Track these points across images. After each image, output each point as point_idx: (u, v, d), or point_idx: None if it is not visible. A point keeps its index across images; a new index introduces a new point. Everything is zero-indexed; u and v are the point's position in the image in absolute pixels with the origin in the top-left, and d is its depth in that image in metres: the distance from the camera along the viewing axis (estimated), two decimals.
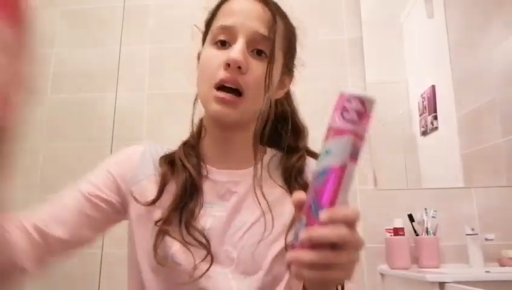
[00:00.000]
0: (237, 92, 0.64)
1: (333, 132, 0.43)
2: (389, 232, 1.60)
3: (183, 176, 0.65)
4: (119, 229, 0.73)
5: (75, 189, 0.67)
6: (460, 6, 1.90)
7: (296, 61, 0.76)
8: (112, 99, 1.92)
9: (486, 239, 1.53)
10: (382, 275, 1.62)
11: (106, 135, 1.88)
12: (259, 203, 0.64)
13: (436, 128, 1.78)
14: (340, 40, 1.89)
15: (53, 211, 0.64)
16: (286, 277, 0.64)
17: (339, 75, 1.85)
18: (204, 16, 0.75)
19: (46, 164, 1.87)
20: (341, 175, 0.42)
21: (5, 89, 0.32)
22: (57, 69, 1.98)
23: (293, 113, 0.78)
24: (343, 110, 0.42)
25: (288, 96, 0.79)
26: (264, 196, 0.65)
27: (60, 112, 1.93)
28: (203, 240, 0.61)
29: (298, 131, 0.77)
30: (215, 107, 0.63)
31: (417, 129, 1.82)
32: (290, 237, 0.62)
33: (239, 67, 0.62)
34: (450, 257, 1.60)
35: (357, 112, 0.42)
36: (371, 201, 1.69)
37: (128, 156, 0.72)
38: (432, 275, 1.24)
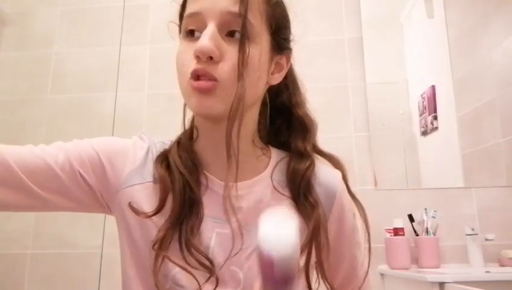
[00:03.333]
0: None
1: None
2: (389, 232, 1.60)
3: (180, 184, 0.57)
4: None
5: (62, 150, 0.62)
6: (460, 6, 1.90)
7: (292, 35, 0.64)
8: (111, 99, 1.92)
9: (486, 239, 1.53)
10: (382, 275, 1.62)
11: (106, 135, 1.88)
12: (230, 223, 0.56)
13: (436, 128, 1.78)
14: (340, 40, 1.89)
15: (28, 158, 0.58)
16: None
17: (339, 75, 1.85)
18: None
19: None
20: None
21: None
22: (57, 69, 1.98)
23: (298, 103, 0.66)
24: None
25: (290, 80, 0.67)
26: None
27: (60, 112, 1.93)
28: (207, 263, 0.54)
29: (305, 126, 0.65)
30: (193, 100, 0.54)
31: (417, 129, 1.82)
32: (302, 260, 0.57)
33: (210, 58, 0.53)
34: (450, 257, 1.60)
35: None
36: (371, 201, 1.68)
37: (128, 150, 0.65)
38: (432, 275, 1.24)
